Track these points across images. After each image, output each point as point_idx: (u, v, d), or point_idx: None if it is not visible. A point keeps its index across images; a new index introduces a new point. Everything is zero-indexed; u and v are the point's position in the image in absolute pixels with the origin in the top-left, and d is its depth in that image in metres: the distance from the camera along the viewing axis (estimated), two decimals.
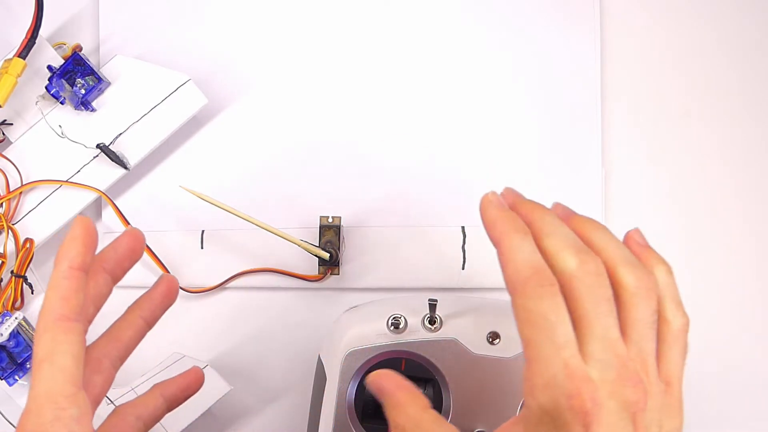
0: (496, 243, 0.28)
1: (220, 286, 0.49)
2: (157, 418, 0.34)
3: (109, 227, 0.50)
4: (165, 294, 0.34)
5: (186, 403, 0.45)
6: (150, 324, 0.33)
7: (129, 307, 0.33)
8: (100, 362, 0.30)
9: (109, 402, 0.44)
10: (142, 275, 0.49)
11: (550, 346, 0.25)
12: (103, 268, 0.30)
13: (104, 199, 0.48)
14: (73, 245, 0.28)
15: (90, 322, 0.30)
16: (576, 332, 0.26)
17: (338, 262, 0.48)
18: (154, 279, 0.49)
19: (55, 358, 0.26)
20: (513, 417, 0.28)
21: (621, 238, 0.30)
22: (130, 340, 0.32)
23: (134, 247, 0.31)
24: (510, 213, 0.29)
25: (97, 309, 0.31)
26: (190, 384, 0.36)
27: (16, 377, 0.44)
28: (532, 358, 0.25)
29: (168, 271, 0.48)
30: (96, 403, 0.29)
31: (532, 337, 0.25)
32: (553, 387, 0.25)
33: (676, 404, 0.27)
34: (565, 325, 0.25)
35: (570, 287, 0.26)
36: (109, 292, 0.31)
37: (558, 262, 0.26)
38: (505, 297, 0.29)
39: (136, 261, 0.32)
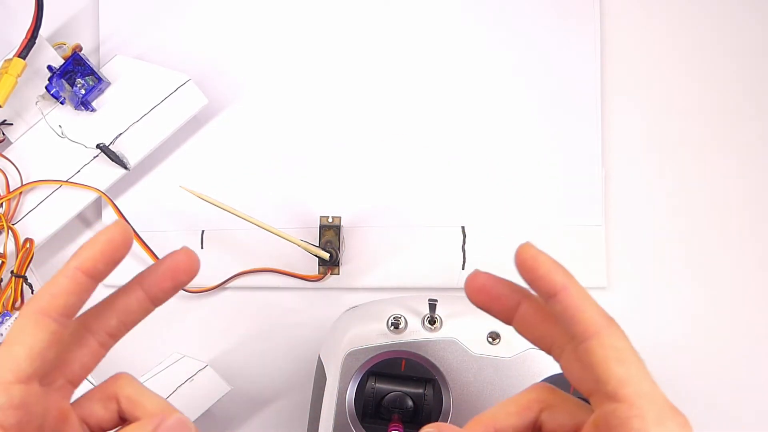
0: (559, 288, 0.27)
1: (220, 286, 0.49)
2: (138, 318, 0.29)
3: None
4: (177, 270, 0.28)
5: (186, 403, 0.45)
6: (155, 302, 0.28)
7: (133, 279, 0.28)
8: (84, 337, 0.28)
9: None
10: None
11: (649, 381, 0.25)
12: (140, 285, 0.28)
13: (104, 199, 0.48)
14: (90, 249, 0.26)
15: (112, 336, 0.28)
16: None
17: (338, 262, 0.48)
18: None
19: (12, 347, 0.25)
20: None
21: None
22: (127, 318, 0.28)
23: (182, 269, 0.28)
24: (557, 261, 0.28)
25: (123, 323, 0.28)
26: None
27: None
28: (633, 395, 0.25)
29: None
30: (73, 383, 0.28)
31: (628, 374, 0.25)
32: (669, 419, 0.25)
33: None
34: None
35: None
36: (143, 311, 0.28)
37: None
38: None
39: (182, 285, 0.28)
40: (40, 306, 0.26)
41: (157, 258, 0.48)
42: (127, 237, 0.26)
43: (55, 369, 0.27)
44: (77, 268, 0.26)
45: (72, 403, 0.28)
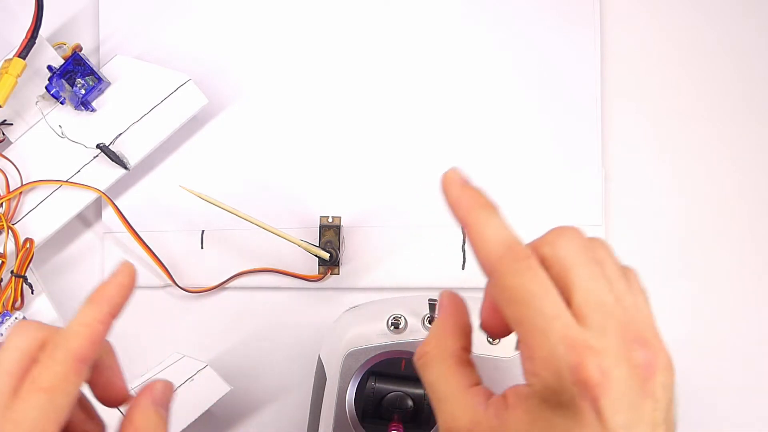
0: (463, 223, 0.25)
1: (220, 286, 0.49)
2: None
3: (109, 227, 0.50)
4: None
5: (186, 403, 0.45)
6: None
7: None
8: None
9: None
10: (142, 275, 0.49)
11: (541, 319, 0.23)
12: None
13: (104, 199, 0.48)
14: (118, 292, 0.26)
15: None
16: (570, 302, 0.24)
17: (338, 262, 0.48)
18: (154, 279, 0.49)
19: (55, 395, 0.24)
20: (514, 392, 0.26)
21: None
22: None
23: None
24: (474, 189, 0.26)
25: None
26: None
27: None
28: (526, 335, 0.23)
29: (168, 272, 0.48)
30: None
31: (520, 314, 0.23)
32: (554, 360, 0.22)
33: (668, 358, 0.24)
34: (552, 294, 0.23)
35: (558, 256, 0.24)
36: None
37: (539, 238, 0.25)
38: None
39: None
40: (83, 354, 0.25)
41: (159, 259, 0.48)
42: (133, 276, 0.27)
43: None
44: (110, 314, 0.26)
45: None
